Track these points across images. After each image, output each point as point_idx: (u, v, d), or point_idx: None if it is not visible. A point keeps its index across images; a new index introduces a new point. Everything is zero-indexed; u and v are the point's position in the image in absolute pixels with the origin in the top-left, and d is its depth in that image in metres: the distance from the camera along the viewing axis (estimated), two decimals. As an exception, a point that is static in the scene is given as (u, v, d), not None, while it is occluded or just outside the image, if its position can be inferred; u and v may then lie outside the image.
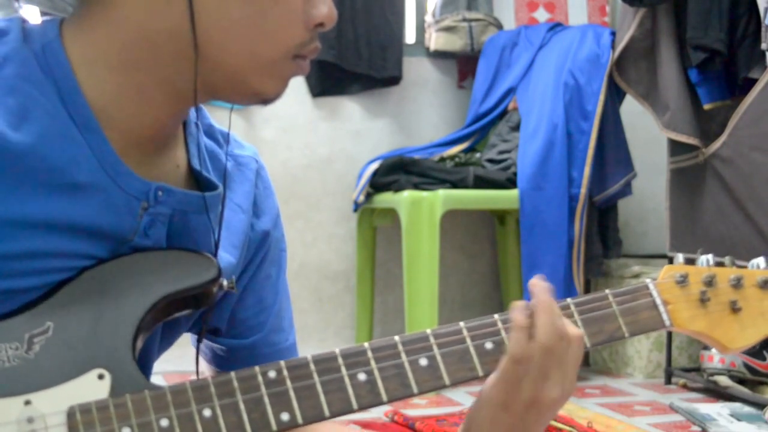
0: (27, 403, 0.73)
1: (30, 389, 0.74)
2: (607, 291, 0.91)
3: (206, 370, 1.03)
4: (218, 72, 0.82)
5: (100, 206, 0.80)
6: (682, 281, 0.93)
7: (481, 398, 0.86)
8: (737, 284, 0.94)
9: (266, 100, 0.85)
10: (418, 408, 2.37)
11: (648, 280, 0.93)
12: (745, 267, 0.96)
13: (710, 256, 0.95)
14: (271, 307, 1.01)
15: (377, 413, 2.06)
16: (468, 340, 0.85)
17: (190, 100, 0.84)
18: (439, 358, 0.84)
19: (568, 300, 0.89)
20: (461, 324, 0.86)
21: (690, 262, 0.96)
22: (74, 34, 0.82)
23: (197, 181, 0.90)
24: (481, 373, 0.85)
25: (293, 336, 1.05)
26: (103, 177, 0.80)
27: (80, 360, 0.76)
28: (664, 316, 0.92)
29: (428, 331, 0.85)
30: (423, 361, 0.83)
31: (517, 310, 0.85)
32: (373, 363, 0.81)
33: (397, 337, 0.83)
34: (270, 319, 1.01)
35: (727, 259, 0.96)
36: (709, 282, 0.94)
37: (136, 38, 0.80)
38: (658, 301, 0.92)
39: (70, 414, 0.73)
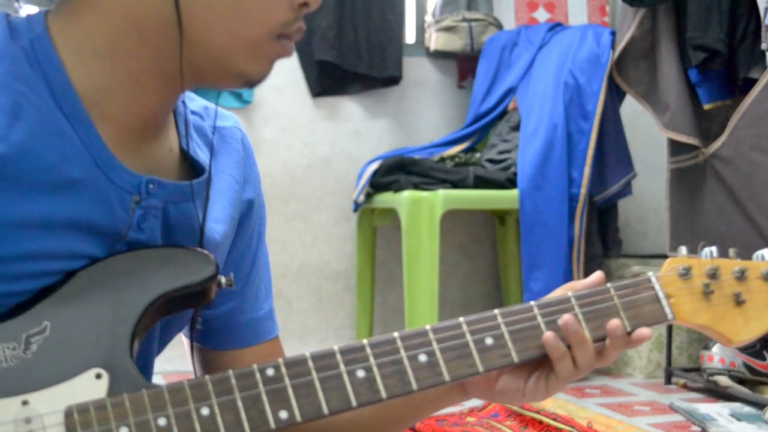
0: (24, 403, 0.73)
1: (27, 389, 0.74)
2: (608, 285, 0.90)
3: (187, 346, 1.01)
4: (203, 53, 0.82)
5: (94, 201, 0.80)
6: (685, 274, 0.91)
7: (512, 387, 0.90)
8: (741, 276, 0.92)
9: (251, 81, 0.85)
10: (418, 408, 2.36)
11: (650, 273, 0.92)
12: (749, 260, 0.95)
13: (714, 248, 0.93)
14: (247, 275, 1.00)
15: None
16: (468, 336, 0.84)
17: (180, 86, 0.84)
18: (438, 353, 0.82)
19: (569, 294, 0.89)
20: (461, 319, 0.85)
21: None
22: (61, 25, 0.82)
23: (189, 162, 0.90)
24: (481, 369, 0.84)
25: (269, 304, 1.03)
26: (95, 172, 0.80)
27: (78, 359, 0.76)
28: (667, 310, 0.90)
29: (427, 326, 0.84)
30: (422, 357, 0.82)
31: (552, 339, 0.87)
32: (371, 359, 0.80)
33: (396, 333, 0.82)
34: (245, 288, 1.00)
35: (731, 251, 0.94)
36: (713, 274, 0.92)
37: (122, 23, 0.80)
38: (661, 294, 0.90)
39: (68, 414, 0.73)
